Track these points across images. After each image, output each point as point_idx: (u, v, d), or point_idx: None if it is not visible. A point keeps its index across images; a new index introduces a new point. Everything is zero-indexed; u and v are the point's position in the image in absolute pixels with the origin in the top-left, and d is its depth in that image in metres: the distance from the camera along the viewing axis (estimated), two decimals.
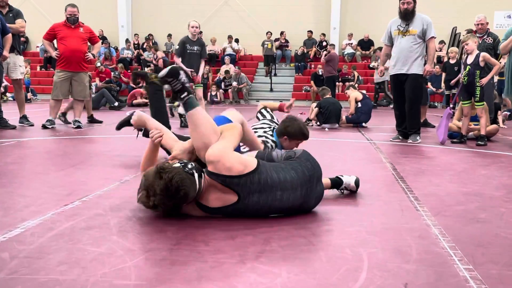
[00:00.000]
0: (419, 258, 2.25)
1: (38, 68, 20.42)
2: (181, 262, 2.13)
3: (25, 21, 7.86)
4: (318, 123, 8.84)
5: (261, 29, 20.84)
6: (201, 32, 10.68)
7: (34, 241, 2.35)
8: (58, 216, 2.79)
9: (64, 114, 8.41)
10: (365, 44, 20.35)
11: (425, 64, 6.72)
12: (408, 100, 6.68)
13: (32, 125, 7.83)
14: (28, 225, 2.61)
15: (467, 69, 6.62)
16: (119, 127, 4.39)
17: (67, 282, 1.89)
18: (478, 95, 6.59)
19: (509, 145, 6.63)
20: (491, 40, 7.78)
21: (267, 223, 2.71)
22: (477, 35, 7.67)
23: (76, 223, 2.65)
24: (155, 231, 2.57)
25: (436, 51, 17.70)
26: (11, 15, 7.66)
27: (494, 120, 7.97)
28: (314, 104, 9.18)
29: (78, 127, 7.70)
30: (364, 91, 10.65)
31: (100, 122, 8.82)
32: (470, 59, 6.63)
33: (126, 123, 4.33)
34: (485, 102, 6.73)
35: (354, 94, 9.25)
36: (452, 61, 11.53)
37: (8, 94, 14.92)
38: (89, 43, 7.98)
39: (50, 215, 2.81)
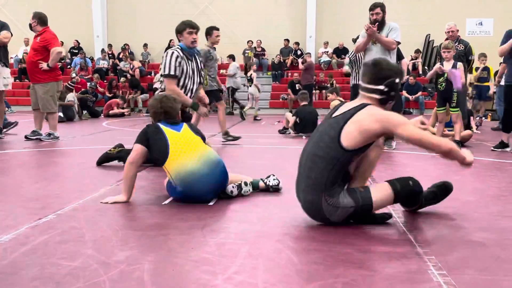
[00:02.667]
0: (393, 264, 2.27)
1: (13, 79, 20.09)
2: (156, 275, 2.12)
3: (11, 34, 7.73)
4: (295, 131, 8.84)
5: (237, 38, 20.88)
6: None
7: (7, 257, 2.31)
8: (32, 230, 2.74)
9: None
10: (341, 52, 20.53)
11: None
12: None
13: (2, 138, 7.65)
14: (1, 240, 2.56)
15: (445, 75, 6.74)
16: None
17: None
18: (455, 101, 6.71)
19: (483, 150, 6.74)
20: (462, 47, 7.90)
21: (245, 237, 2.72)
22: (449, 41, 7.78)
23: (50, 237, 2.61)
24: (131, 245, 2.55)
25: (412, 59, 17.97)
26: None
27: (467, 126, 8.10)
28: (289, 114, 9.18)
29: (27, 138, 7.45)
30: (342, 99, 10.71)
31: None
32: (447, 66, 6.75)
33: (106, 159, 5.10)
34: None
35: (335, 102, 9.29)
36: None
37: None
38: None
39: (23, 229, 2.76)
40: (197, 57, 5.46)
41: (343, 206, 2.80)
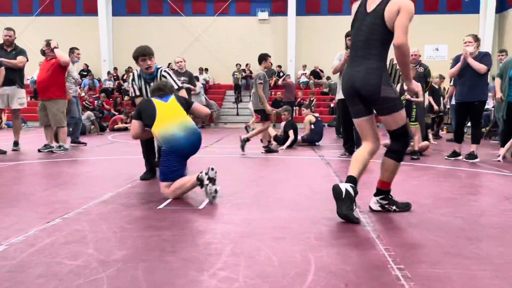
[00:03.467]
0: (359, 260, 2.27)
1: (29, 98, 19.93)
2: (149, 272, 2.10)
3: (27, 59, 7.69)
4: (278, 144, 8.75)
5: (227, 62, 20.99)
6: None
7: (17, 257, 2.28)
8: (40, 233, 2.71)
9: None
10: (317, 74, 20.72)
11: None
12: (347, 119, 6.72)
13: (20, 149, 7.60)
14: (12, 241, 2.52)
15: (405, 93, 6.80)
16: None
17: None
18: (414, 116, 6.79)
19: (438, 159, 6.80)
20: (422, 70, 8.01)
21: (226, 235, 2.70)
22: (412, 65, 7.88)
23: (56, 239, 2.58)
24: (128, 245, 2.52)
25: None
26: (14, 52, 7.51)
27: (425, 138, 8.17)
28: (271, 128, 9.03)
29: (40, 151, 7.41)
30: (317, 114, 10.75)
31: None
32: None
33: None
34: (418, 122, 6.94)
35: (309, 117, 9.32)
36: (436, 86, 11.13)
37: (3, 122, 14.52)
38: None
39: (33, 232, 2.72)
40: (159, 79, 4.80)
41: (394, 89, 3.12)
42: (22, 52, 7.63)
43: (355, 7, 3.27)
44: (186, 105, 4.07)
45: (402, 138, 3.19)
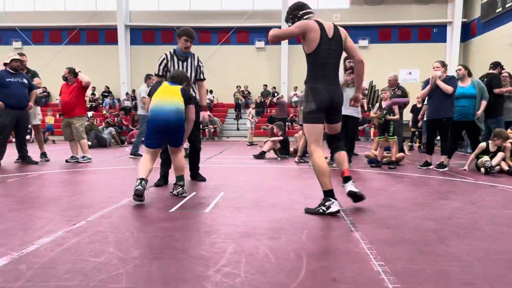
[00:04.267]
0: (345, 257, 2.26)
1: (58, 115, 19.97)
2: (162, 268, 2.08)
3: (40, 78, 7.73)
4: (277, 155, 8.73)
5: (228, 83, 21.07)
6: None
7: (47, 255, 2.26)
8: (67, 234, 2.69)
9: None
10: None
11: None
12: (347, 134, 6.69)
13: (48, 161, 7.59)
14: (43, 241, 2.51)
15: (384, 112, 6.82)
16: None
17: (72, 287, 1.82)
18: (392, 131, 6.81)
19: (412, 168, 6.80)
20: (400, 92, 8.01)
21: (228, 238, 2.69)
22: (390, 87, 7.91)
23: (81, 239, 2.56)
24: (144, 244, 2.51)
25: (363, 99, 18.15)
26: (29, 75, 7.50)
27: (401, 149, 8.18)
28: (269, 141, 9.05)
29: (67, 161, 7.41)
30: None
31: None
32: (385, 105, 6.87)
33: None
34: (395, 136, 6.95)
35: (301, 132, 9.29)
36: (418, 105, 10.94)
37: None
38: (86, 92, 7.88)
39: (61, 233, 2.71)
40: (192, 60, 4.92)
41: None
42: (35, 74, 7.67)
43: (307, 29, 3.29)
44: (185, 99, 4.03)
45: (340, 138, 3.66)
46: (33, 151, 7.75)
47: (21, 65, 7.22)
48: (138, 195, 3.59)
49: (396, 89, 8.08)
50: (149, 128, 3.92)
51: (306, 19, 3.42)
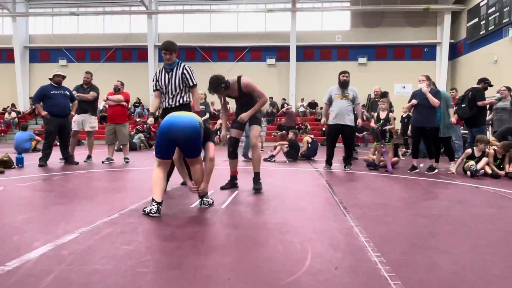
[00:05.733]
0: (345, 249, 2.23)
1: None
2: (184, 255, 2.08)
3: (98, 94, 7.82)
4: (286, 158, 8.69)
5: None
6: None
7: (85, 242, 2.28)
8: (103, 224, 2.72)
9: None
10: (312, 105, 20.72)
11: (355, 118, 6.78)
12: (346, 142, 6.65)
13: (91, 161, 7.68)
14: (82, 231, 2.53)
15: (381, 121, 6.78)
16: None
17: (106, 271, 1.84)
18: (388, 138, 6.75)
19: (406, 172, 6.70)
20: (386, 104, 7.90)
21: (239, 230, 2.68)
22: (379, 98, 7.87)
23: (114, 229, 2.59)
24: (168, 234, 2.52)
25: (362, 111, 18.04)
26: (88, 89, 7.70)
27: (396, 154, 8.07)
28: (278, 147, 9.03)
29: (103, 163, 7.52)
30: (312, 136, 10.69)
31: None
32: (382, 115, 6.84)
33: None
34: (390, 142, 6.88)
35: (306, 138, 9.26)
36: (404, 115, 10.25)
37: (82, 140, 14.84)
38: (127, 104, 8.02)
39: (97, 223, 2.73)
40: (177, 69, 4.39)
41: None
42: (94, 88, 7.79)
43: None
44: (205, 134, 3.55)
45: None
46: (80, 153, 7.85)
47: (85, 81, 7.68)
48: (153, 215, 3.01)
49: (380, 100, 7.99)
50: (158, 138, 3.19)
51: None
